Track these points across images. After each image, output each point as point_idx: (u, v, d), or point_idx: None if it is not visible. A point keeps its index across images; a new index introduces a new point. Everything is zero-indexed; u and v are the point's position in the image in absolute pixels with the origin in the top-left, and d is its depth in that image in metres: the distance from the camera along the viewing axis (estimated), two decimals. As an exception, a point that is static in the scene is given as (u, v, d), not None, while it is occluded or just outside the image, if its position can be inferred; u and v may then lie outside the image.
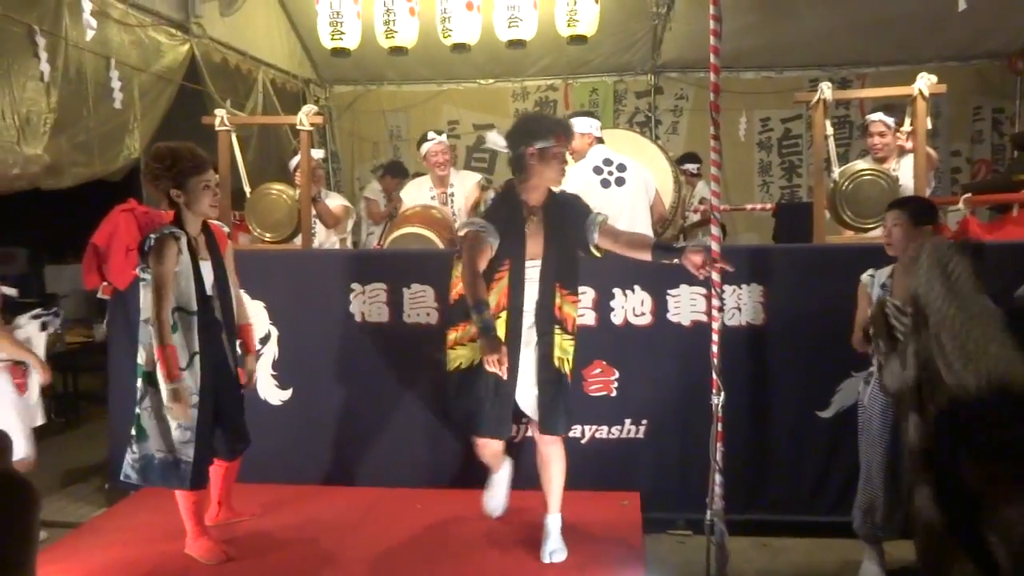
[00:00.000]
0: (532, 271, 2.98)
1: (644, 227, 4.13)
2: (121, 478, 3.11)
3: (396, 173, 6.42)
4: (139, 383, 3.04)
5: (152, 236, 2.95)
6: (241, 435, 3.20)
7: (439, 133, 5.10)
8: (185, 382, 2.95)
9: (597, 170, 4.22)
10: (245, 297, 3.40)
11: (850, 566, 3.19)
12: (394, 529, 3.36)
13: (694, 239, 5.73)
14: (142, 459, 3.02)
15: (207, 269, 3.05)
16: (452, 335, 3.05)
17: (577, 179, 4.19)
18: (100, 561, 3.11)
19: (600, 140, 4.41)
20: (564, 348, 3.00)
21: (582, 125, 4.28)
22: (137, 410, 3.03)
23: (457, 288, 3.03)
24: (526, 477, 3.35)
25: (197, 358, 2.98)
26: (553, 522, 3.09)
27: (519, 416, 3.12)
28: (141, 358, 3.04)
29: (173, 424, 2.97)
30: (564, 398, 3.03)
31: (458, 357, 3.02)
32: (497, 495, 3.38)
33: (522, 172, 2.98)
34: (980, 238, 3.72)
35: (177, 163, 2.96)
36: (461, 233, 3.04)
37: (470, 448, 3.46)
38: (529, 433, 3.19)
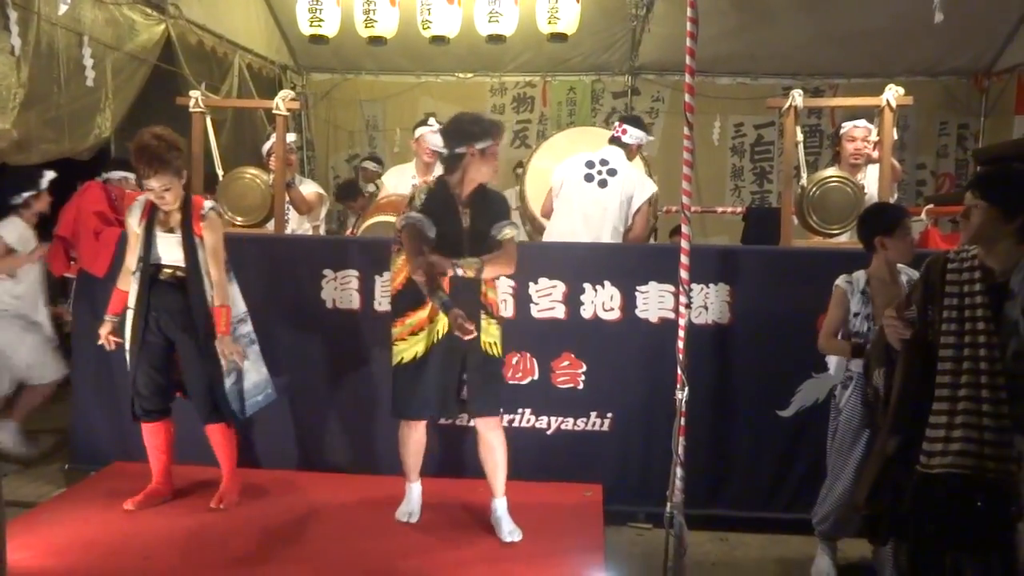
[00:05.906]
0: None
1: (605, 234, 4.09)
2: (250, 414, 3.43)
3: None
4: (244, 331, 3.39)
5: (209, 207, 3.30)
6: None
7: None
8: None
9: (589, 164, 4.19)
10: None
11: (804, 561, 3.27)
12: (358, 515, 3.37)
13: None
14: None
15: None
16: (395, 329, 3.09)
17: (569, 164, 4.23)
18: (58, 539, 3.09)
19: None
20: (491, 333, 3.08)
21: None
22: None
23: (398, 280, 3.09)
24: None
25: None
26: (500, 505, 3.17)
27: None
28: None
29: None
30: (494, 382, 3.12)
31: (399, 352, 3.07)
32: (409, 503, 3.35)
33: (459, 169, 3.05)
34: (939, 247, 3.83)
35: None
36: (399, 226, 3.07)
37: (435, 437, 3.49)
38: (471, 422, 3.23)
